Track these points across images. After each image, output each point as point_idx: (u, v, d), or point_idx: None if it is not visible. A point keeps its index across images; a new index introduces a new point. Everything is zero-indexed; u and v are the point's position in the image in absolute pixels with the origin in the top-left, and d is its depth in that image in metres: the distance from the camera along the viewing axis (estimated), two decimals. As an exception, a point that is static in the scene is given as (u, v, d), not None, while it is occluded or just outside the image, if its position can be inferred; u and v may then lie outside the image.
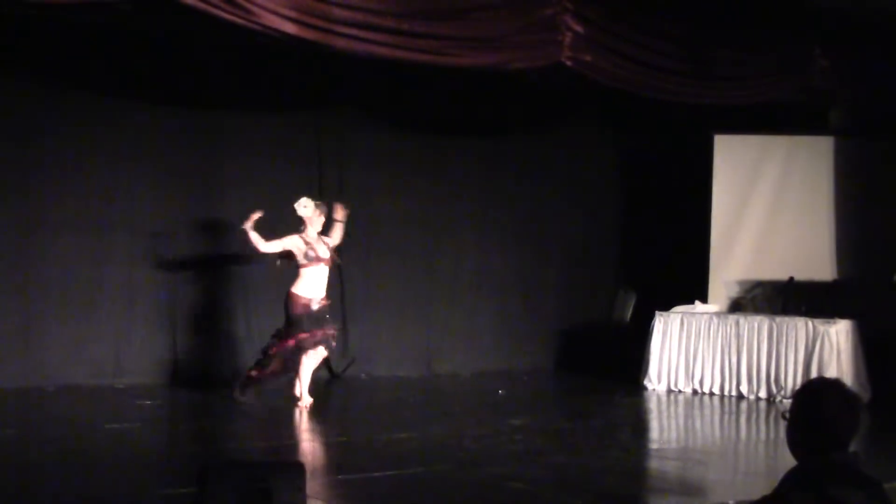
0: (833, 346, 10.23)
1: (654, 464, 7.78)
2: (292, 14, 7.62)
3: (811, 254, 11.54)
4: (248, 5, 7.35)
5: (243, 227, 9.06)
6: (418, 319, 12.09)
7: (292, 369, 9.24)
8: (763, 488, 3.24)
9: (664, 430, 9.84)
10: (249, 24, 7.49)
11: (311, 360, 9.21)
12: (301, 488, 4.91)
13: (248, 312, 11.11)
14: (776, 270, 11.41)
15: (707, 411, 10.19)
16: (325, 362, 10.03)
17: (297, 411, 9.09)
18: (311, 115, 11.44)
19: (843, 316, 10.44)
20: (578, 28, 8.95)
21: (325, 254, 9.15)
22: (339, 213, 9.35)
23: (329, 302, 9.34)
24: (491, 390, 10.86)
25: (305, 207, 9.13)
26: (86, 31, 9.63)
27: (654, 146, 13.16)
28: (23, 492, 6.19)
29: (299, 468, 5.06)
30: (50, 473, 6.70)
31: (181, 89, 10.62)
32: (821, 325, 10.31)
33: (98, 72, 10.27)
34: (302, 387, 9.22)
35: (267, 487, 4.77)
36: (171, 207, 10.77)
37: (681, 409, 10.28)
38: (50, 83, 10.11)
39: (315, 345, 9.13)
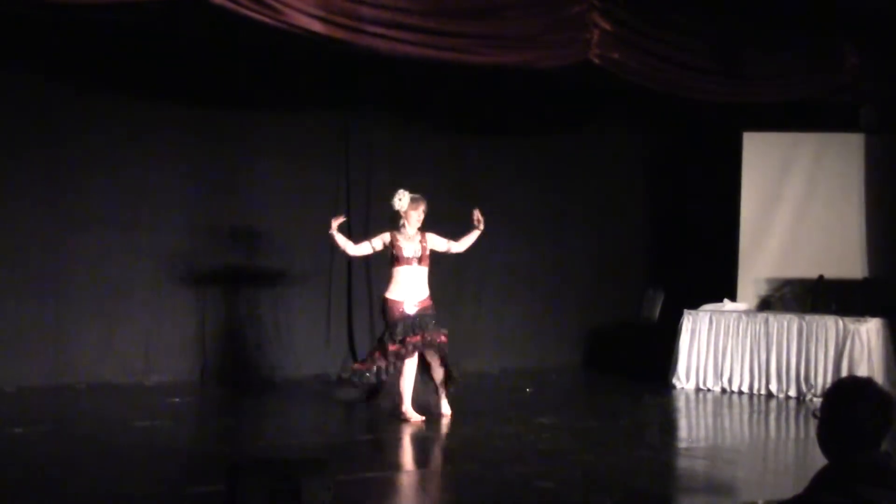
0: (864, 345, 10.16)
1: (682, 463, 7.75)
2: (320, 13, 7.63)
3: (841, 251, 11.45)
4: (276, 5, 7.38)
5: (329, 231, 8.51)
6: (446, 317, 12.04)
7: (393, 377, 8.56)
8: (793, 488, 3.22)
9: (693, 428, 9.80)
10: (278, 24, 7.51)
11: (409, 369, 8.51)
12: (329, 487, 4.92)
13: (276, 310, 11.16)
14: (806, 268, 11.34)
15: (736, 410, 10.14)
16: (442, 370, 8.77)
17: (328, 410, 9.08)
18: (339, 115, 11.45)
19: (873, 314, 10.37)
20: (606, 26, 8.91)
21: (411, 252, 8.53)
22: (476, 220, 8.69)
23: (428, 304, 8.61)
24: (519, 388, 10.85)
25: (400, 200, 8.48)
26: (115, 31, 9.69)
27: (682, 144, 13.11)
28: (53, 488, 6.24)
29: (327, 466, 5.07)
30: (80, 470, 6.75)
31: (209, 90, 10.67)
32: (851, 323, 10.24)
33: (126, 72, 10.33)
34: (403, 398, 8.54)
35: (295, 486, 4.79)
36: (199, 206, 10.83)
37: (710, 408, 10.23)
38: (78, 83, 10.18)
39: (410, 353, 8.44)
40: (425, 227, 8.68)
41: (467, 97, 11.63)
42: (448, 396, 8.75)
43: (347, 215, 8.80)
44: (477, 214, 8.70)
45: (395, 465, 7.06)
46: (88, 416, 8.83)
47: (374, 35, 7.97)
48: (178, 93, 10.55)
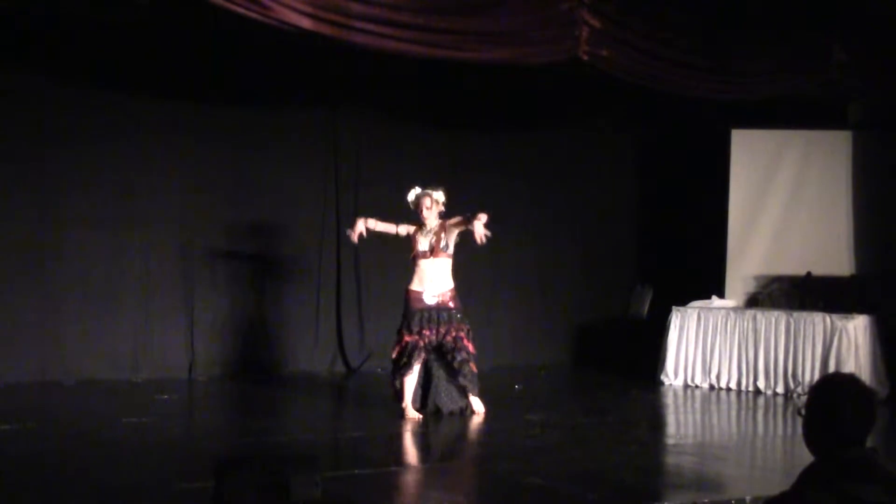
0: (851, 342, 10.19)
1: (670, 459, 7.77)
2: (308, 9, 7.62)
3: (829, 248, 11.49)
4: (266, 1, 7.36)
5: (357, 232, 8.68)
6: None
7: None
8: (780, 484, 3.24)
9: (681, 425, 9.82)
10: (266, 20, 7.50)
11: (415, 365, 8.50)
12: (318, 482, 4.92)
13: (265, 307, 11.15)
14: (794, 265, 11.37)
15: (724, 406, 10.17)
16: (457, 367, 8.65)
17: (317, 406, 9.07)
18: (328, 111, 11.45)
19: (861, 311, 10.40)
20: (595, 23, 8.91)
21: (425, 246, 8.61)
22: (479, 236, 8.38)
23: (449, 297, 8.64)
24: (508, 385, 10.85)
25: (409, 196, 8.69)
26: (103, 27, 9.67)
27: (671, 141, 13.13)
28: (41, 485, 6.23)
29: (316, 462, 5.07)
30: (69, 467, 6.73)
31: (197, 85, 10.65)
32: (838, 320, 10.27)
33: (114, 68, 10.31)
34: (404, 394, 8.49)
35: (284, 482, 4.78)
36: (187, 203, 10.82)
37: (698, 405, 10.26)
38: (67, 79, 10.16)
39: (426, 346, 8.48)
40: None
41: (456, 94, 11.62)
42: (475, 394, 8.74)
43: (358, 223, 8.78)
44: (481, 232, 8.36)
45: (385, 462, 7.06)
46: (77, 413, 8.82)
47: (364, 32, 7.96)
48: (165, 90, 10.52)
